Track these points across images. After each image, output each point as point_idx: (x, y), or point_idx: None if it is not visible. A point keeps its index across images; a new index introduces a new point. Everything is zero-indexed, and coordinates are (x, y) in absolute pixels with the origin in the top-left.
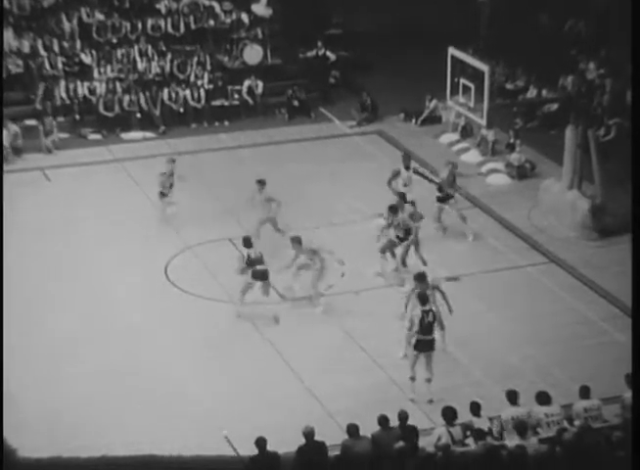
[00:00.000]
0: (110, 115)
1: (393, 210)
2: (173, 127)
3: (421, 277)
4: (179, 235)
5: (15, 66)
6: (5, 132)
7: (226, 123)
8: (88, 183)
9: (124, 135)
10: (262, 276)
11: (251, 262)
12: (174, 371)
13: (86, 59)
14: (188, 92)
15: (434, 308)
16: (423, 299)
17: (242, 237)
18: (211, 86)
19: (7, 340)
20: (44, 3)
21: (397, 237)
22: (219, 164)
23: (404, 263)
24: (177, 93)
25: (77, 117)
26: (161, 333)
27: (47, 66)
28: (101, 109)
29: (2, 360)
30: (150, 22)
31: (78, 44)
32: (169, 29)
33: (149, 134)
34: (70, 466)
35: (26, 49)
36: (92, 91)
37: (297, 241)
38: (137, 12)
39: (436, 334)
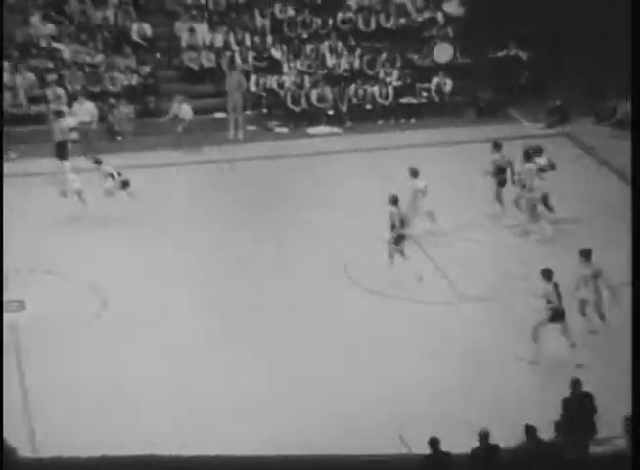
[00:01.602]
0: (297, 109)
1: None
2: (360, 124)
3: (587, 253)
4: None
5: (207, 59)
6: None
7: (413, 121)
8: (272, 176)
9: (311, 130)
10: (400, 240)
11: (393, 225)
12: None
13: (276, 53)
14: (376, 89)
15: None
16: (546, 274)
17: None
18: (400, 83)
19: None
20: None
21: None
22: (403, 162)
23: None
24: (365, 89)
25: (265, 110)
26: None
27: (238, 59)
28: (288, 103)
29: (2, 361)
30: (340, 18)
31: (269, 39)
32: (360, 26)
33: (335, 130)
34: (70, 466)
35: (219, 43)
36: (280, 85)
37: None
38: (328, 8)
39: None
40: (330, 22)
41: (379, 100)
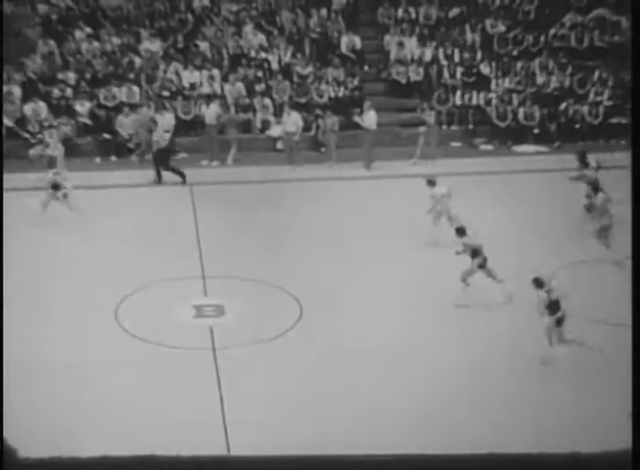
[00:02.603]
0: (503, 126)
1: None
2: (568, 143)
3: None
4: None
5: (415, 73)
6: None
7: (622, 142)
8: (478, 195)
9: (516, 148)
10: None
11: (472, 252)
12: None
13: (485, 69)
14: (586, 108)
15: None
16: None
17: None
18: (611, 103)
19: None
20: (450, 13)
21: None
22: (608, 182)
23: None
24: (575, 109)
25: (471, 126)
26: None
27: (446, 74)
28: (495, 120)
29: (2, 361)
30: (552, 34)
31: (479, 55)
32: (572, 43)
33: (542, 148)
34: (71, 466)
35: (428, 57)
36: (487, 102)
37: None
38: (541, 24)
39: None
40: (541, 39)
41: (588, 119)
